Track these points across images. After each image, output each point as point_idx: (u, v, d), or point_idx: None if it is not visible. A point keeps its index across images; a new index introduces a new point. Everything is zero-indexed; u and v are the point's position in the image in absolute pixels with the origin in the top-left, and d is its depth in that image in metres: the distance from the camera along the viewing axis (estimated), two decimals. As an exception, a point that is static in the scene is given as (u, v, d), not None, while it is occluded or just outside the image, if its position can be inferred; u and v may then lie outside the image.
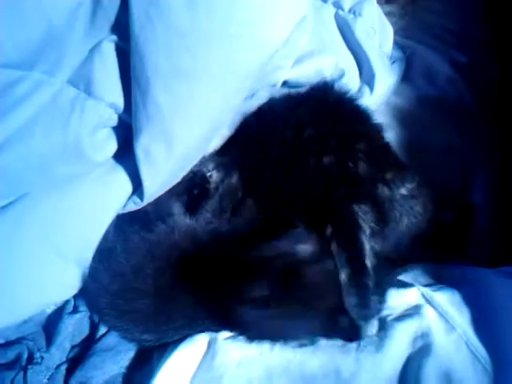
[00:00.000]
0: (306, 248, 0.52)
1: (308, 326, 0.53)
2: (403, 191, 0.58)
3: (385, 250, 0.55)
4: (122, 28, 0.51)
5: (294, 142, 0.58)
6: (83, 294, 0.60)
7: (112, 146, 0.57)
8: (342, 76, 0.66)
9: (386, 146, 0.63)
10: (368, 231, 0.53)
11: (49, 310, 0.61)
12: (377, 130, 0.62)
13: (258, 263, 0.52)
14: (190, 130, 0.54)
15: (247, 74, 0.52)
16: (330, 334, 0.53)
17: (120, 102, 0.54)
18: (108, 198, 0.57)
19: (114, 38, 0.52)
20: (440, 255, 0.61)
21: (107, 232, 0.58)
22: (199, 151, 0.60)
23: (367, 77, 0.70)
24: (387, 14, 0.75)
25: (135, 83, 0.51)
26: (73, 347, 0.59)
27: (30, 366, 0.55)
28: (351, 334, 0.52)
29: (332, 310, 0.52)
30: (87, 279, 0.58)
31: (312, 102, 0.61)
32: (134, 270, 0.56)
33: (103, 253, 0.58)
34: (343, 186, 0.55)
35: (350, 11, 0.68)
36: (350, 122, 0.60)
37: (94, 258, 0.58)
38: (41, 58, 0.51)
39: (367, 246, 0.52)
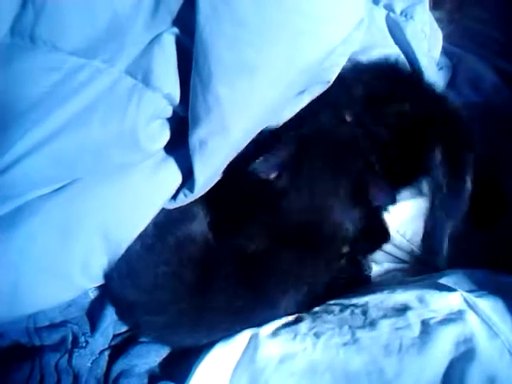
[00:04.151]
0: None
1: None
2: None
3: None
4: (184, 21, 0.52)
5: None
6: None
7: (165, 136, 0.57)
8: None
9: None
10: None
11: (92, 295, 0.61)
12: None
13: None
14: (246, 124, 0.54)
15: (307, 69, 0.52)
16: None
17: (176, 94, 0.55)
18: (157, 188, 0.58)
19: (175, 30, 0.53)
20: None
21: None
22: (245, 143, 0.60)
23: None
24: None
25: (196, 75, 0.51)
26: (114, 336, 0.60)
27: (75, 350, 0.55)
28: None
29: None
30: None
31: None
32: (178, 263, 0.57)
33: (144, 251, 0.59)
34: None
35: (401, 14, 0.68)
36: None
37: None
38: (103, 46, 0.52)
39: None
